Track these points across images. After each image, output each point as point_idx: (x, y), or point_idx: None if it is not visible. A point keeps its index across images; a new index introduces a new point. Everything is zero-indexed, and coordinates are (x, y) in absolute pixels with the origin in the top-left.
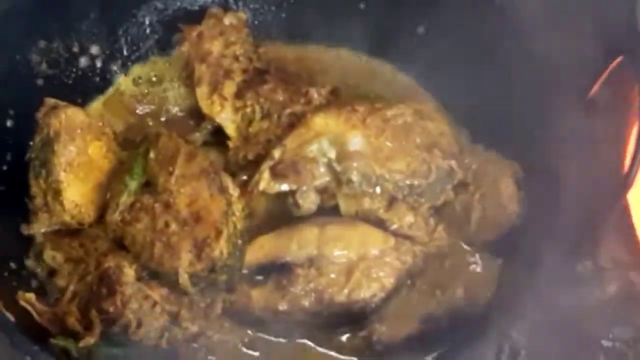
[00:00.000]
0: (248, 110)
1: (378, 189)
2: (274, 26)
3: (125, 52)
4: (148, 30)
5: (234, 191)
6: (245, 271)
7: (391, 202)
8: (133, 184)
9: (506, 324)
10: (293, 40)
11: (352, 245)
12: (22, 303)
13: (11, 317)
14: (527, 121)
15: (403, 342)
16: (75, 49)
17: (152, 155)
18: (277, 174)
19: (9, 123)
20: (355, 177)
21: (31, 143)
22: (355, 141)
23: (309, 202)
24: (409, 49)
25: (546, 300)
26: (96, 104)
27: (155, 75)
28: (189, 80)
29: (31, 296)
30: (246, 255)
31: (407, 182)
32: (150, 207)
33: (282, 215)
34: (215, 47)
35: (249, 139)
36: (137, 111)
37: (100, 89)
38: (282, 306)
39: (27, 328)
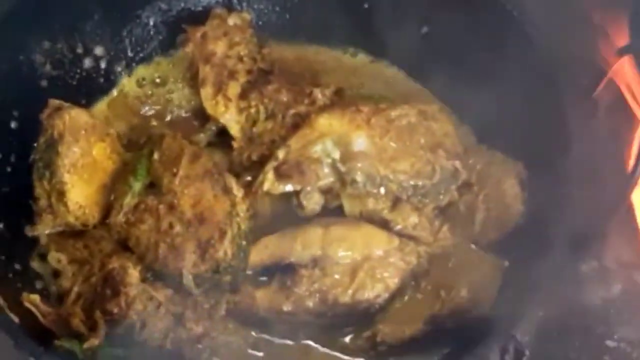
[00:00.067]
0: (252, 110)
1: (382, 190)
2: (278, 27)
3: (129, 53)
4: (152, 31)
5: (238, 192)
6: (249, 272)
7: (395, 202)
8: (137, 185)
9: (510, 324)
10: (297, 40)
11: (356, 245)
12: (27, 304)
13: (15, 319)
14: (532, 121)
15: (407, 343)
16: (80, 50)
17: (156, 156)
18: (281, 175)
19: (13, 124)
20: (359, 177)
21: (35, 144)
22: (360, 142)
23: (313, 202)
24: (413, 49)
25: (550, 301)
26: (100, 105)
27: (159, 77)
28: (193, 81)
29: (35, 297)
30: (250, 256)
31: (412, 182)
32: (154, 208)
33: (286, 215)
34: (219, 47)
35: (253, 139)
36: (141, 112)
37: (105, 90)
38: (287, 307)
39: (32, 329)
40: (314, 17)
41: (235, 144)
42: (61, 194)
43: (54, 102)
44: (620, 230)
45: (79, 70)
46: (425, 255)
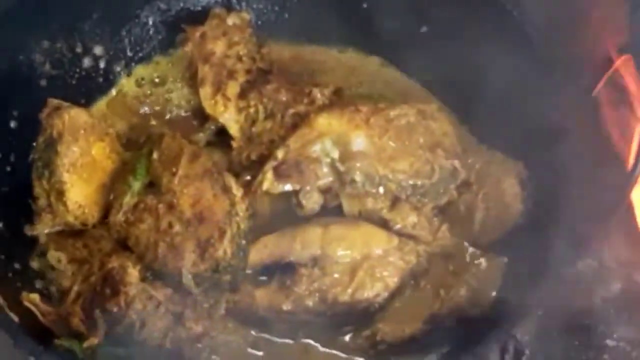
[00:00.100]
0: (251, 110)
1: (381, 189)
2: (277, 26)
3: (128, 53)
4: (151, 31)
5: (237, 191)
6: (248, 271)
7: (394, 202)
8: (136, 185)
9: (510, 323)
10: (296, 40)
11: (356, 245)
12: (26, 304)
13: (15, 318)
14: (531, 120)
15: (407, 342)
16: (79, 50)
17: (155, 155)
18: (280, 174)
19: (12, 124)
20: (358, 177)
21: (34, 144)
22: (359, 141)
23: (312, 202)
24: (412, 49)
25: (550, 300)
26: (99, 105)
27: (158, 76)
28: (192, 81)
29: (35, 297)
30: (250, 255)
31: (411, 182)
32: (153, 207)
33: (285, 215)
34: (218, 47)
35: (253, 139)
36: (140, 112)
37: (104, 90)
38: (286, 306)
39: (31, 328)
40: (313, 17)
41: (234, 144)
42: (60, 194)
43: (53, 101)
44: (620, 230)
45: (78, 70)
46: (425, 255)
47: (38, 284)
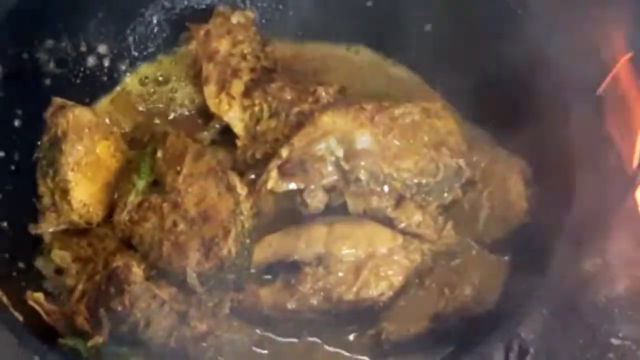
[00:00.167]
0: (256, 109)
1: (386, 188)
2: (281, 24)
3: (132, 51)
4: (155, 30)
5: (241, 190)
6: (253, 270)
7: (399, 200)
8: (141, 183)
9: (515, 322)
10: (300, 38)
11: (360, 243)
12: (31, 303)
13: (20, 317)
14: (535, 119)
15: (411, 341)
16: (83, 49)
17: (159, 154)
18: (285, 173)
19: (16, 123)
20: (363, 175)
21: (39, 143)
22: (363, 140)
23: (316, 200)
24: (416, 47)
25: (555, 299)
26: (104, 103)
27: (162, 75)
28: (197, 79)
29: (39, 296)
30: (254, 254)
31: (415, 180)
32: (158, 206)
33: (290, 214)
34: (222, 45)
35: (257, 137)
36: (145, 110)
37: (108, 88)
38: (291, 305)
39: (36, 327)
40: (317, 15)
41: (239, 142)
42: (65, 192)
43: (58, 100)
44: (624, 228)
45: (82, 69)
46: (430, 253)
47: (42, 283)
